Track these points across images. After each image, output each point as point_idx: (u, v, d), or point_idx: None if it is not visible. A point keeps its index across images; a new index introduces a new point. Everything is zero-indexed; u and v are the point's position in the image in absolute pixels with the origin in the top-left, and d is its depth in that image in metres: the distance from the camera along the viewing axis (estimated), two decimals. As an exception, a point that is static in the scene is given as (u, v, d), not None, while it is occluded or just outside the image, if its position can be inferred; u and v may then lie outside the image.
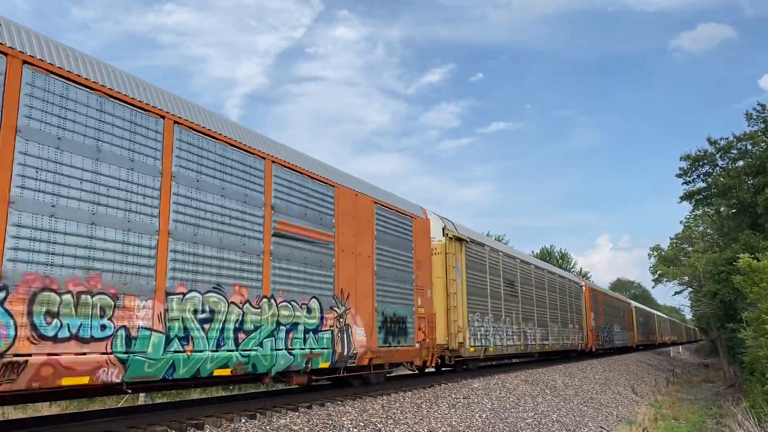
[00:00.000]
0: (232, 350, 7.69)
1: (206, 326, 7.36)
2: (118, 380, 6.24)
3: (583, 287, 30.17)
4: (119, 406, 12.89)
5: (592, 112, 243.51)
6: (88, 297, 6.02)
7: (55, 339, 5.67)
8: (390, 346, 11.44)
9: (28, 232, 5.59)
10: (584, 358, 29.15)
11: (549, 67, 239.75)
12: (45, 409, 12.75)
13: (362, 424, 8.61)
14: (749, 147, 31.01)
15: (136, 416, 7.61)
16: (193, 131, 7.64)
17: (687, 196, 36.22)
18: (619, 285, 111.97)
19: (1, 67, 5.60)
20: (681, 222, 53.98)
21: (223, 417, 7.66)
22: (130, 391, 6.89)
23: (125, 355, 6.30)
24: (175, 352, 6.91)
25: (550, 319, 23.03)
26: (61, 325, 5.75)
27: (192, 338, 7.14)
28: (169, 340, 6.85)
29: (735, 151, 32.33)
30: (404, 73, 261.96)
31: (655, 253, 63.46)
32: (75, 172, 6.11)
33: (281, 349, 8.53)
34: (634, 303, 47.27)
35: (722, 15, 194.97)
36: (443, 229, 15.07)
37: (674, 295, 76.49)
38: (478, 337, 15.74)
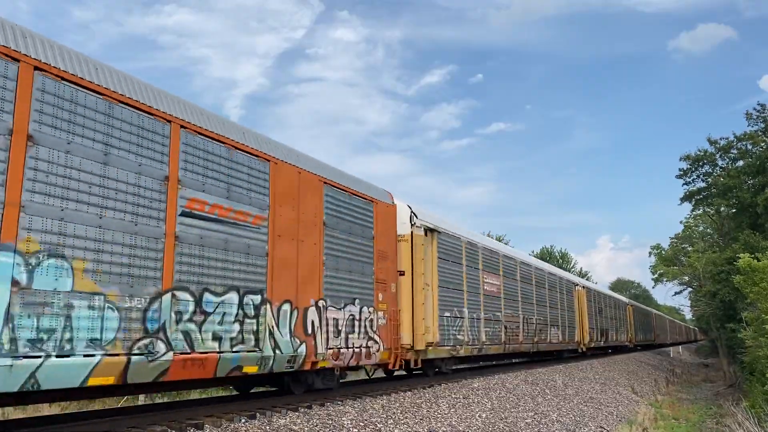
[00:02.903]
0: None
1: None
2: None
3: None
4: (119, 406, 12.88)
5: (592, 112, 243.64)
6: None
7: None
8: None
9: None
10: (584, 358, 29.15)
11: (549, 67, 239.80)
12: (45, 409, 12.72)
13: (362, 424, 8.61)
14: (749, 147, 31.06)
15: (136, 416, 7.61)
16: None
17: (687, 197, 36.23)
18: (619, 285, 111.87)
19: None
20: (681, 222, 53.99)
21: (223, 417, 7.66)
22: None
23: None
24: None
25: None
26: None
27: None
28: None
29: (735, 151, 32.39)
30: (404, 74, 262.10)
31: (656, 252, 63.48)
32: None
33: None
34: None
35: (722, 15, 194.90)
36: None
37: (674, 295, 76.64)
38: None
